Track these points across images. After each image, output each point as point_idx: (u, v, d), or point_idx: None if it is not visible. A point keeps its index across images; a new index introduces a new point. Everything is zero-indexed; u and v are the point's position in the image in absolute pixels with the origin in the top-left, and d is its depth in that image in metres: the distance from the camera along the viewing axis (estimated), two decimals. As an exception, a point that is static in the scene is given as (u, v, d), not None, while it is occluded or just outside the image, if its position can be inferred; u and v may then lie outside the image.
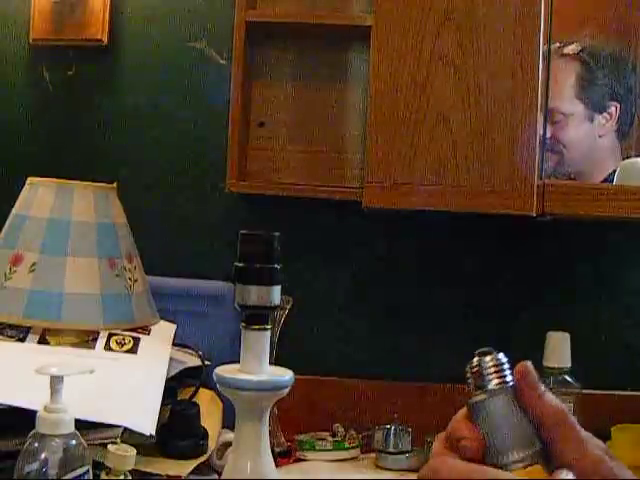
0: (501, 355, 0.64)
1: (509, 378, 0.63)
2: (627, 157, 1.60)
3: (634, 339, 1.63)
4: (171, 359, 1.32)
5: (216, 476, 1.24)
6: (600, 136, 1.60)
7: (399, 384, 1.63)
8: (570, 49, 1.59)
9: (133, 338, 1.31)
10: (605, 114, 1.59)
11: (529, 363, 0.63)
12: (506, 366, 0.63)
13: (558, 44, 1.60)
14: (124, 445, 1.08)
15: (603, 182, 1.60)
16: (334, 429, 1.55)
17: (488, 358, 0.63)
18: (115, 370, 1.23)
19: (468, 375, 0.64)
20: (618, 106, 1.59)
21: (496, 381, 0.62)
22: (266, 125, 1.68)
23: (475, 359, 0.64)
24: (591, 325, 1.62)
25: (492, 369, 0.63)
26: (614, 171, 1.57)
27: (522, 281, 1.65)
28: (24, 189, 1.33)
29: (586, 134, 1.61)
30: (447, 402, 1.62)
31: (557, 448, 0.61)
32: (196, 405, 1.28)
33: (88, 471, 0.97)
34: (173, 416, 1.25)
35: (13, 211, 1.32)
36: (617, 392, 1.59)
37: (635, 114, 1.61)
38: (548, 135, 1.58)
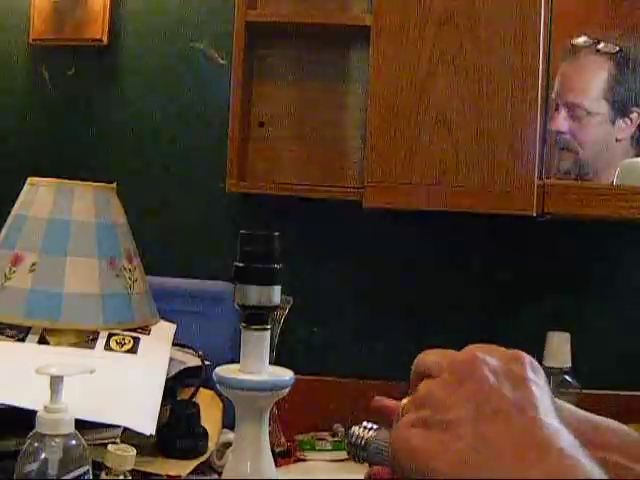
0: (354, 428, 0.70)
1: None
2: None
3: (634, 339, 1.63)
4: (171, 359, 1.32)
5: (216, 476, 1.24)
6: (618, 140, 1.59)
7: (399, 384, 1.62)
8: (608, 47, 1.56)
9: (133, 338, 1.31)
10: (627, 119, 1.58)
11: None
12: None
13: (591, 40, 1.58)
14: (124, 445, 1.08)
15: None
16: (334, 429, 1.55)
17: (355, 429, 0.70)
18: (115, 370, 1.23)
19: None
20: None
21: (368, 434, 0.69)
22: (266, 125, 1.69)
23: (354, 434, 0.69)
24: (591, 325, 1.62)
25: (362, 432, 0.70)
26: None
27: (522, 281, 1.65)
28: (24, 189, 1.33)
29: (605, 136, 1.59)
30: (447, 402, 1.62)
31: None
32: (196, 405, 1.28)
33: (88, 471, 0.97)
34: (173, 416, 1.25)
35: (13, 211, 1.32)
36: (617, 392, 1.59)
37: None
38: (566, 129, 1.57)
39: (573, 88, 1.57)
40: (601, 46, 1.57)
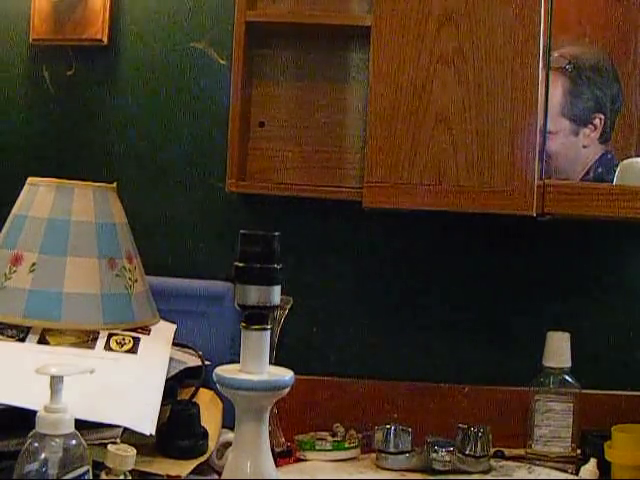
0: None
1: None
2: (606, 154, 1.59)
3: (634, 339, 1.63)
4: (171, 359, 1.32)
5: (216, 476, 1.24)
6: (585, 146, 1.59)
7: (399, 384, 1.63)
8: (556, 62, 1.55)
9: (133, 338, 1.31)
10: (590, 125, 1.58)
11: None
12: None
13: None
14: (124, 445, 1.08)
15: (585, 176, 1.59)
16: (334, 429, 1.55)
17: None
18: (115, 370, 1.23)
19: None
20: (602, 117, 1.58)
21: None
22: (266, 125, 1.68)
23: None
24: (591, 325, 1.62)
25: None
26: (594, 164, 1.58)
27: (522, 281, 1.65)
28: (24, 189, 1.33)
29: (571, 147, 1.59)
30: (447, 402, 1.62)
31: None
32: (196, 405, 1.28)
33: (88, 471, 0.97)
34: (173, 416, 1.25)
35: (13, 211, 1.32)
36: (617, 392, 1.59)
37: (616, 121, 1.59)
38: None
39: None
40: (551, 59, 1.55)
